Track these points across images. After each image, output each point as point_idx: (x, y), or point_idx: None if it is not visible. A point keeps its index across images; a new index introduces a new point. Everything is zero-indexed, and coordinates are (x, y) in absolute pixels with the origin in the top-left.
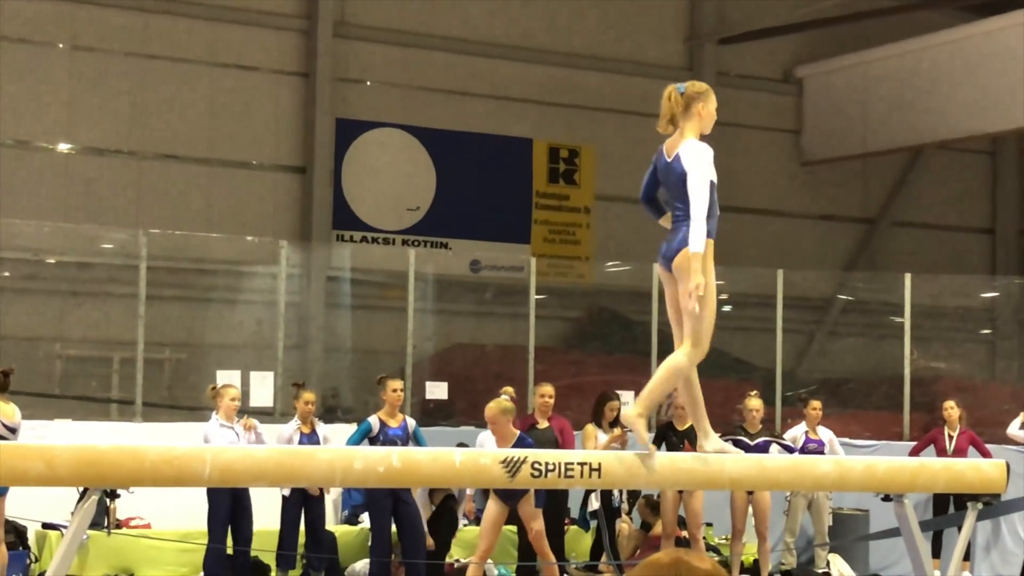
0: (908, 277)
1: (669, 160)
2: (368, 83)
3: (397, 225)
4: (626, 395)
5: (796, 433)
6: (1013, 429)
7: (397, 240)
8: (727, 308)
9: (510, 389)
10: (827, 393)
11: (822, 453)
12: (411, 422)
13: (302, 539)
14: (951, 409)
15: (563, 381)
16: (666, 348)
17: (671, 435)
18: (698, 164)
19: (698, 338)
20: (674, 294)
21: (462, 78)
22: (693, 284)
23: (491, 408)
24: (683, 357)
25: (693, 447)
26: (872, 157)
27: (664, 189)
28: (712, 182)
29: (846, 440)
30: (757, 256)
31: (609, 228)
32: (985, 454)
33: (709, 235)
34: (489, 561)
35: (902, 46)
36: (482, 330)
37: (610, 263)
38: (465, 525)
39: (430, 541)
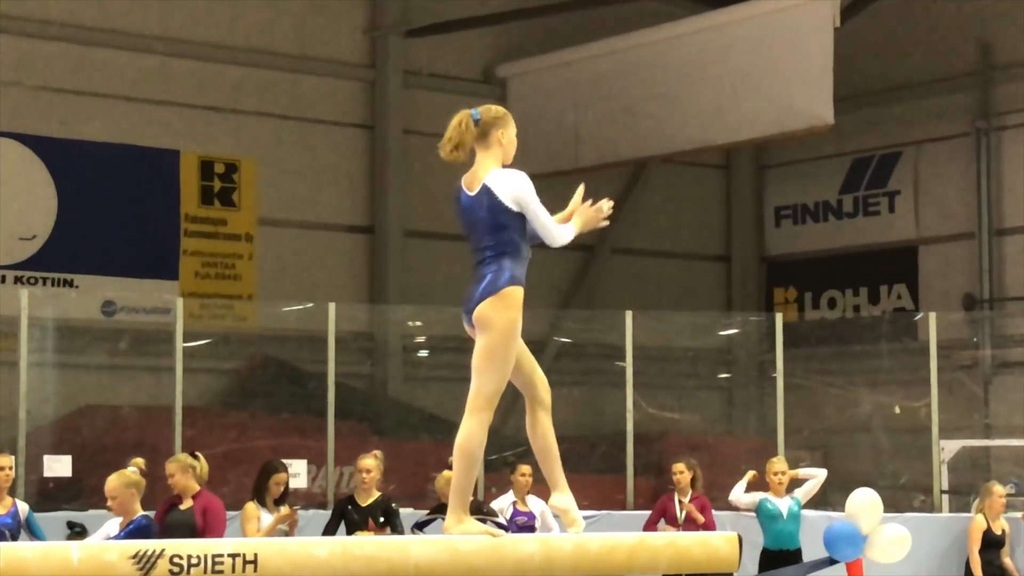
0: (630, 315)
1: (473, 194)
2: None
3: (7, 259)
4: (298, 464)
5: (503, 504)
6: (737, 493)
7: (8, 277)
8: (423, 353)
9: (140, 460)
10: None
11: (533, 528)
12: (23, 507)
13: None
14: (680, 473)
15: (220, 448)
16: (344, 404)
17: (352, 512)
18: (519, 184)
19: (487, 401)
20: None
21: (88, 75)
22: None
23: (112, 481)
24: (474, 428)
25: (378, 526)
26: (588, 172)
27: (469, 231)
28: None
29: None
30: (451, 294)
31: (276, 260)
32: (709, 526)
33: (518, 282)
34: None
35: (621, 41)
36: (117, 388)
37: (279, 303)
38: None
39: None
